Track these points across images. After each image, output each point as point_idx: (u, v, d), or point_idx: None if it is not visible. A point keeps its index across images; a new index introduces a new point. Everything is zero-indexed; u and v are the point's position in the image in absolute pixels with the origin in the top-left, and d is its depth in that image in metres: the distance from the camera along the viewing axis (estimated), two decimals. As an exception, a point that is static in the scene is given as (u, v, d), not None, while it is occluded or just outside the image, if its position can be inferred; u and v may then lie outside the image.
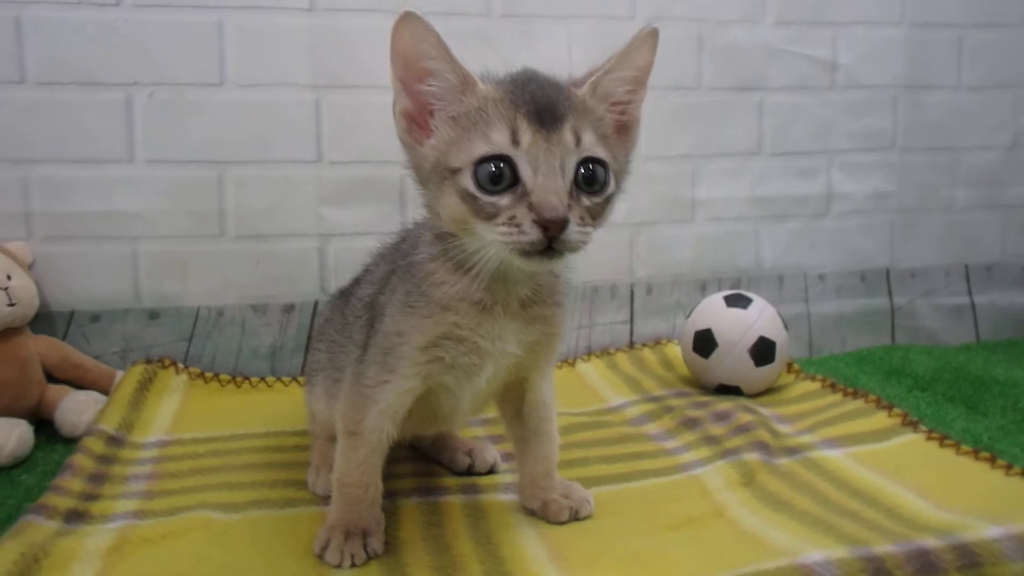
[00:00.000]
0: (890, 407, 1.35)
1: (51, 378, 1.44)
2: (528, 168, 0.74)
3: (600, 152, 0.78)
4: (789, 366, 1.61)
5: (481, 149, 0.74)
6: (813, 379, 1.55)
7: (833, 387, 1.49)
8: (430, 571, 0.87)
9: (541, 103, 0.75)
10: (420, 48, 0.78)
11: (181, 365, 1.53)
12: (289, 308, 1.61)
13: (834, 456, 1.20)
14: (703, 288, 1.78)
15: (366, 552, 0.88)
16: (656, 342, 1.75)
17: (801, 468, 1.16)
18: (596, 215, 0.79)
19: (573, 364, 1.70)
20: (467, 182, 0.74)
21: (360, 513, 0.90)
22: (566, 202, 0.73)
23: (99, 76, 1.47)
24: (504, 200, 0.74)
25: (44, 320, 1.50)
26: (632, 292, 1.78)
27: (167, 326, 1.56)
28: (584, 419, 1.40)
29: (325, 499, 1.01)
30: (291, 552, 0.91)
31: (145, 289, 1.56)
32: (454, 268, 0.84)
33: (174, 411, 1.41)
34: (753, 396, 1.48)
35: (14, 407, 1.34)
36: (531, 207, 0.72)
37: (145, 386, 1.45)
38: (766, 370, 1.46)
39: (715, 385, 1.50)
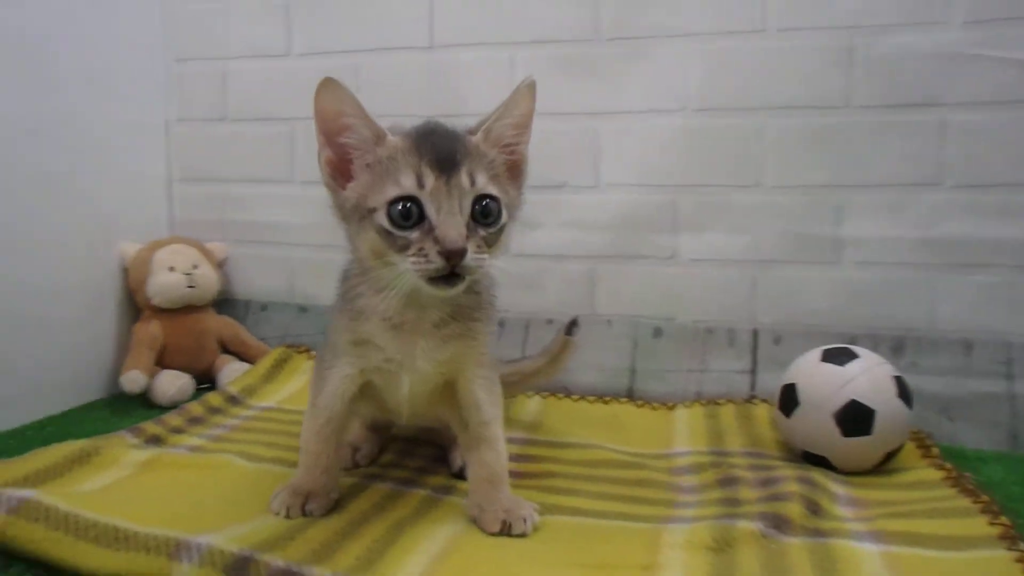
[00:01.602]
0: (997, 514, 1.00)
1: (225, 350, 1.79)
2: (432, 207, 0.87)
3: (492, 190, 0.91)
4: (925, 448, 1.27)
5: (393, 192, 0.88)
6: (940, 467, 1.20)
7: (956, 481, 1.14)
8: (328, 534, 0.95)
9: (441, 152, 0.89)
10: (338, 108, 0.92)
11: (313, 352, 1.75)
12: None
13: (863, 549, 0.94)
14: (852, 344, 1.47)
15: (302, 511, 1.01)
16: (778, 399, 1.49)
17: (802, 551, 0.94)
18: (491, 243, 0.92)
19: (671, 408, 1.53)
20: (382, 219, 0.88)
21: (312, 477, 1.04)
22: (464, 234, 0.87)
23: (271, 112, 1.78)
24: (414, 235, 0.87)
25: (229, 305, 1.85)
26: (755, 339, 1.55)
27: (311, 320, 1.81)
28: (624, 458, 1.29)
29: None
30: (259, 496, 1.06)
31: (296, 287, 1.82)
32: (373, 290, 0.96)
33: (294, 388, 1.66)
34: (848, 473, 1.19)
35: (189, 367, 1.69)
36: (436, 240, 0.86)
37: (280, 365, 1.73)
38: (857, 443, 1.17)
39: (800, 451, 1.24)
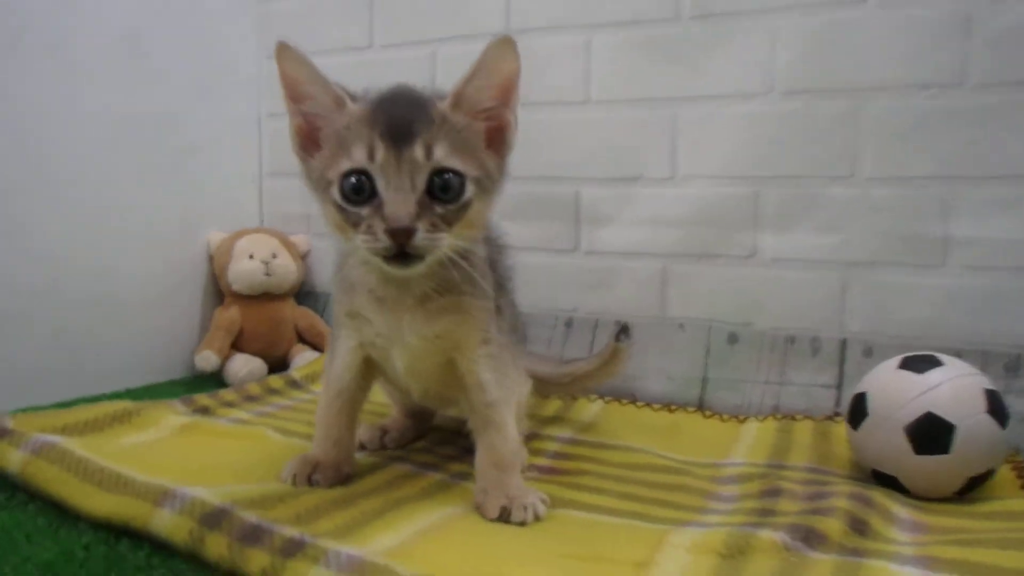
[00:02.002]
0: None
1: (302, 339, 1.84)
2: (382, 182, 0.82)
3: (454, 163, 0.84)
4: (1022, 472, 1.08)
5: (345, 165, 0.83)
6: (1042, 500, 1.01)
7: (1059, 514, 0.95)
8: (320, 501, 0.95)
9: (395, 121, 0.83)
10: (298, 73, 0.88)
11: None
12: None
13: (904, 572, 0.80)
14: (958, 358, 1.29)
15: (308, 480, 1.01)
16: (864, 418, 1.32)
17: (825, 568, 0.82)
18: (451, 221, 0.85)
19: (742, 421, 1.40)
20: (335, 193, 0.84)
21: (323, 449, 1.04)
22: (413, 212, 0.81)
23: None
24: (365, 211, 0.83)
25: (310, 296, 1.91)
26: (843, 350, 1.39)
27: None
28: (670, 464, 1.20)
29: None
30: (276, 464, 1.06)
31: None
32: (359, 262, 0.94)
33: None
34: (922, 498, 1.03)
35: (264, 352, 1.77)
36: (383, 217, 0.81)
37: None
38: (932, 463, 1.02)
39: (870, 470, 1.10)
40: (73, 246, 1.53)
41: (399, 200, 0.81)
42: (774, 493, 1.03)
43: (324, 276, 1.91)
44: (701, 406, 1.49)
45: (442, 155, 0.83)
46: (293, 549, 0.79)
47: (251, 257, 1.77)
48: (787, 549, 0.83)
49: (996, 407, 1.02)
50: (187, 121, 1.76)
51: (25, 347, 1.44)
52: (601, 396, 1.55)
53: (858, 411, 1.10)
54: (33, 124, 1.46)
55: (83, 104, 1.53)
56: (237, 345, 1.74)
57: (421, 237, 0.81)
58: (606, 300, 1.59)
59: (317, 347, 1.81)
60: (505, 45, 0.87)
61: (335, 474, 1.03)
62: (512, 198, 1.63)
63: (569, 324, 1.62)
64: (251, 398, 1.47)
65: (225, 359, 1.70)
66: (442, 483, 1.06)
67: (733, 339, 1.48)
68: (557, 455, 1.22)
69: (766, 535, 0.85)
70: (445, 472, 1.11)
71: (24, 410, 1.21)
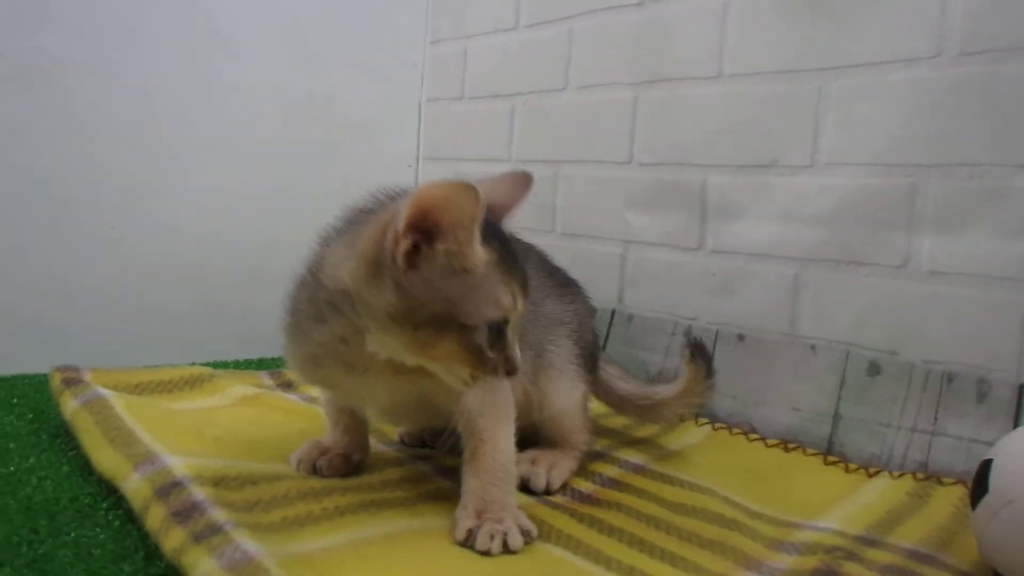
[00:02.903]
0: None
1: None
2: (512, 329, 0.83)
3: None
4: None
5: (494, 314, 0.81)
6: None
7: None
8: (290, 492, 0.91)
9: (524, 274, 0.84)
10: (463, 216, 0.76)
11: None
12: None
13: None
14: None
15: (313, 467, 1.00)
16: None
17: None
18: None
19: (872, 475, 1.14)
20: (481, 339, 0.80)
21: (333, 436, 1.03)
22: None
23: (496, 89, 1.78)
24: (494, 353, 0.81)
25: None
26: (1020, 396, 1.06)
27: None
28: (730, 514, 0.99)
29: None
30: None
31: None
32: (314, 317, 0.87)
33: None
34: None
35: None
36: (506, 359, 0.82)
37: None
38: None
39: (990, 568, 0.82)
40: (230, 216, 1.67)
41: (515, 345, 0.83)
42: (826, 575, 0.80)
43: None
44: (829, 449, 1.22)
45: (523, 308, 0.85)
46: (207, 535, 0.76)
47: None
48: None
49: None
50: (349, 102, 1.85)
51: (171, 312, 1.60)
52: (713, 421, 1.34)
53: (979, 485, 0.82)
54: (199, 99, 1.62)
55: (246, 81, 1.67)
56: None
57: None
58: (728, 308, 1.38)
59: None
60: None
61: (343, 463, 1.00)
62: (633, 186, 1.49)
63: (688, 333, 1.43)
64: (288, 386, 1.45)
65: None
66: (444, 490, 0.98)
67: (874, 370, 1.20)
68: (608, 482, 1.08)
69: None
70: (454, 478, 1.00)
71: (120, 369, 1.32)
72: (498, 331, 0.80)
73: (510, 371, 0.82)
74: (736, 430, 1.31)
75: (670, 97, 1.44)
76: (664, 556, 0.86)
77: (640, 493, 1.04)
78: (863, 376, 1.20)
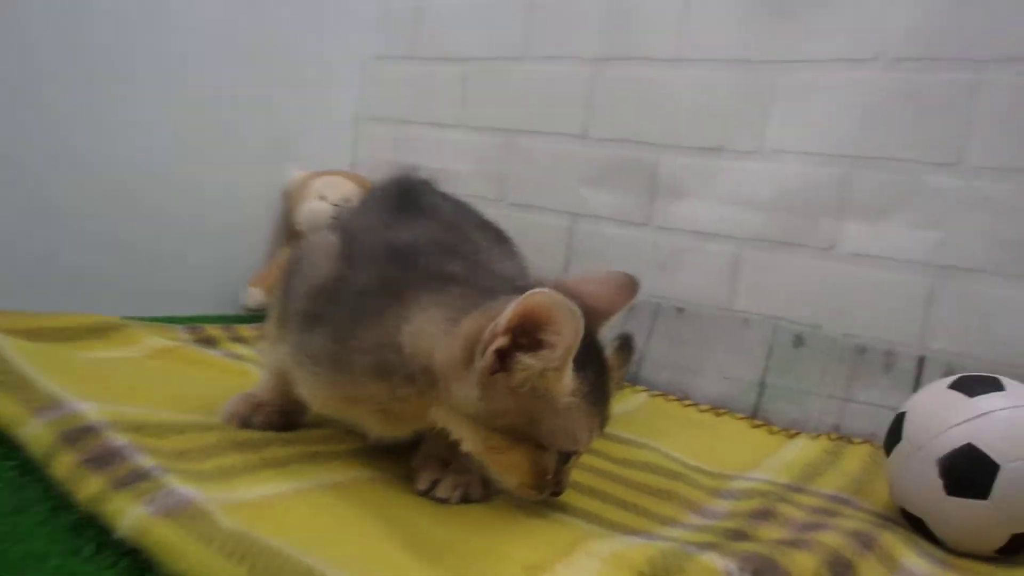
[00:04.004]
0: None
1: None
2: (575, 457, 0.86)
3: None
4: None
5: (569, 446, 0.83)
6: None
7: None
8: (223, 442, 0.89)
9: (607, 407, 0.85)
10: (558, 341, 0.75)
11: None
12: (534, 282, 1.70)
13: None
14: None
15: (244, 422, 0.96)
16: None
17: None
18: None
19: (791, 436, 1.30)
20: (550, 462, 0.83)
21: (268, 388, 0.98)
22: None
23: (451, 52, 1.85)
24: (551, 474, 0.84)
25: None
26: (920, 368, 1.25)
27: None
28: (672, 467, 1.12)
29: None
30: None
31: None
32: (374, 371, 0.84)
33: None
34: (957, 552, 0.91)
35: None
36: (557, 482, 0.84)
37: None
38: (966, 508, 0.89)
39: (898, 507, 0.99)
40: (161, 158, 1.63)
41: (572, 470, 0.86)
42: (763, 515, 0.94)
43: (401, 227, 1.97)
44: (755, 414, 1.39)
45: None
46: (131, 480, 0.73)
47: (322, 198, 1.83)
48: None
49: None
50: (294, 53, 1.85)
51: (90, 253, 1.53)
52: (650, 388, 1.49)
53: (893, 434, 0.98)
54: (139, 34, 1.58)
55: (187, 21, 1.65)
56: None
57: None
58: (670, 283, 1.52)
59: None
60: None
61: (280, 418, 0.96)
62: (590, 160, 1.61)
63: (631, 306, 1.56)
64: (258, 338, 1.43)
65: (275, 299, 1.78)
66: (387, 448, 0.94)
67: (799, 342, 1.37)
68: None
69: (707, 560, 0.75)
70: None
71: (19, 312, 1.24)
72: (566, 458, 0.83)
73: (556, 493, 0.84)
74: (671, 397, 1.46)
75: (629, 76, 1.56)
76: (619, 503, 0.96)
77: (588, 450, 1.16)
78: (789, 348, 1.37)
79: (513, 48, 1.74)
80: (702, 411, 1.41)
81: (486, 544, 0.78)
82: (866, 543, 0.86)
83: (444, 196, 1.10)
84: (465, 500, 0.87)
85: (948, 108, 1.22)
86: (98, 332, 1.27)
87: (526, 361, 0.75)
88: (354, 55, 2.03)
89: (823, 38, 1.34)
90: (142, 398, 0.97)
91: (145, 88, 1.61)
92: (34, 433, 0.82)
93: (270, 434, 0.94)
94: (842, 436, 1.27)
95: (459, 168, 1.81)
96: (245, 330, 1.52)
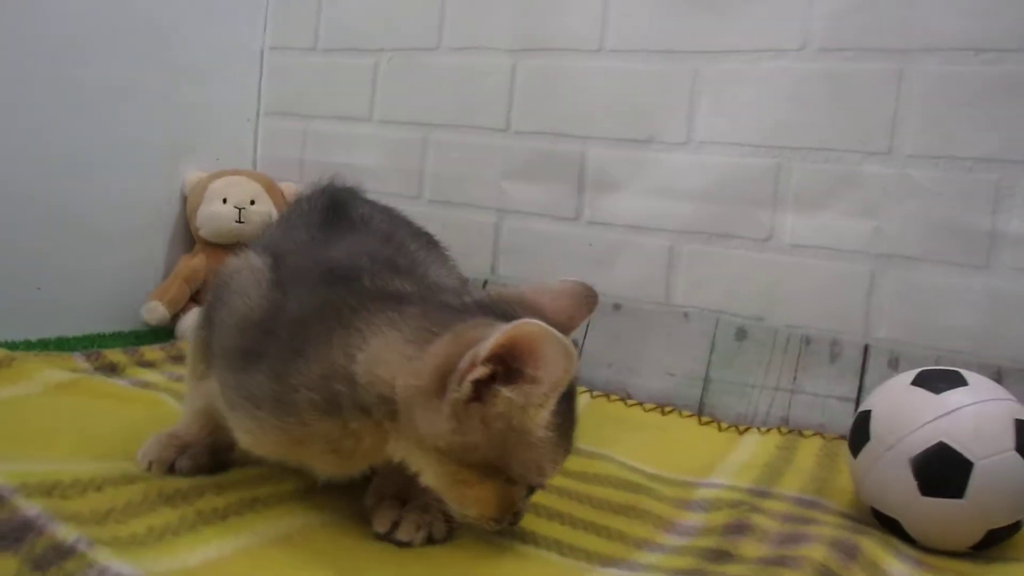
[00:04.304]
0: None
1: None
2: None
3: None
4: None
5: (536, 479, 0.77)
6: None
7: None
8: (148, 497, 0.81)
9: (572, 439, 0.79)
10: (547, 378, 0.70)
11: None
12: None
13: None
14: (998, 378, 1.15)
15: (171, 467, 0.88)
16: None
17: None
18: None
19: (742, 432, 1.30)
20: (518, 495, 0.79)
21: (193, 428, 0.90)
22: None
23: (358, 43, 1.75)
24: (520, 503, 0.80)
25: (296, 253, 1.85)
26: (865, 357, 1.26)
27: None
28: (632, 478, 1.09)
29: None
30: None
31: (363, 240, 1.78)
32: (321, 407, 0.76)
33: None
34: (930, 551, 0.92)
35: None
36: (515, 515, 0.79)
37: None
38: (940, 508, 0.89)
39: (868, 507, 0.98)
40: (44, 158, 1.47)
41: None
42: (739, 530, 0.92)
43: (312, 230, 1.86)
44: (700, 410, 1.38)
45: None
46: (54, 558, 0.64)
47: (224, 201, 1.71)
48: None
49: (1027, 445, 0.88)
50: (185, 44, 1.71)
51: None
52: (591, 389, 1.45)
53: (859, 434, 0.98)
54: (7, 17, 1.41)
55: (66, 4, 1.48)
56: (198, 299, 1.67)
57: None
58: (606, 279, 1.48)
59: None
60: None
61: (209, 459, 0.89)
62: (513, 154, 1.55)
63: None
64: (179, 359, 1.33)
65: (179, 313, 1.63)
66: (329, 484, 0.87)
67: (742, 335, 1.36)
68: None
69: None
70: None
71: None
72: (532, 490, 0.80)
73: (514, 522, 0.80)
74: (614, 396, 1.43)
75: (550, 67, 1.51)
76: (587, 527, 0.91)
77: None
78: (732, 341, 1.37)
79: (427, 39, 1.66)
80: (647, 411, 1.39)
81: None
82: (849, 553, 0.86)
83: (373, 204, 1.04)
84: (429, 541, 0.82)
85: (876, 97, 1.23)
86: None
87: (505, 395, 0.70)
88: (249, 46, 1.89)
89: (748, 29, 1.33)
90: (48, 447, 0.89)
91: (24, 80, 1.45)
92: None
93: (202, 480, 0.86)
94: (792, 429, 1.28)
95: (371, 164, 1.74)
96: (151, 352, 1.39)
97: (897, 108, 1.22)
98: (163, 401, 1.16)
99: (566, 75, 1.49)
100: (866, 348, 1.26)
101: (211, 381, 0.85)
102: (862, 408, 0.99)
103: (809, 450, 1.22)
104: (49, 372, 1.19)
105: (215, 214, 1.70)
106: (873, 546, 0.89)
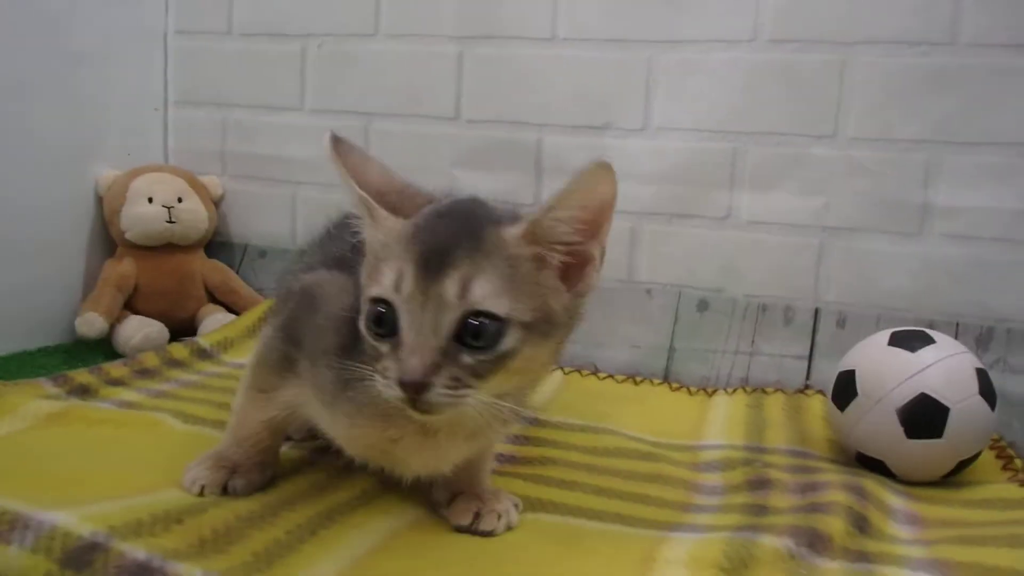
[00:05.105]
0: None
1: (213, 299, 1.74)
2: (405, 319, 0.73)
3: (495, 305, 0.73)
4: (1007, 459, 1.16)
5: (374, 289, 0.75)
6: (1025, 484, 1.08)
7: (1046, 500, 1.02)
8: (231, 518, 0.83)
9: (433, 247, 0.74)
10: (339, 168, 0.77)
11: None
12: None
13: None
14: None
15: (223, 488, 0.89)
16: (837, 392, 1.38)
17: None
18: (484, 373, 0.74)
19: (711, 394, 1.44)
20: (362, 320, 0.76)
21: (243, 447, 0.92)
22: (429, 364, 0.72)
23: (282, 27, 1.72)
24: (385, 347, 0.74)
25: (225, 248, 1.81)
26: (815, 320, 1.44)
27: (315, 271, 1.75)
28: (642, 447, 1.19)
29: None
30: (175, 463, 0.93)
31: (300, 233, 1.77)
32: None
33: None
34: (910, 483, 1.09)
35: (167, 314, 1.65)
36: (397, 362, 0.73)
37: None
38: (924, 447, 1.07)
39: (854, 452, 1.14)
40: None
41: (416, 346, 0.72)
42: (762, 485, 1.05)
43: (240, 224, 1.82)
44: (667, 377, 1.51)
45: (481, 295, 0.73)
46: None
47: (150, 200, 1.64)
48: (793, 558, 0.83)
49: (986, 388, 1.07)
50: (78, 26, 1.60)
51: None
52: (561, 366, 1.55)
53: (846, 391, 1.13)
54: None
55: None
56: (131, 306, 1.61)
57: (437, 393, 0.72)
58: (566, 261, 1.59)
59: (232, 308, 1.71)
60: (602, 172, 0.75)
61: (260, 477, 0.91)
62: (468, 143, 1.60)
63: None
64: (145, 372, 1.31)
65: (115, 323, 1.56)
66: (383, 482, 0.96)
67: (703, 306, 1.51)
68: (517, 438, 1.17)
69: (768, 542, 0.84)
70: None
71: None
72: (380, 317, 0.76)
73: (399, 378, 0.74)
74: (585, 371, 1.54)
75: (500, 55, 1.57)
76: (630, 497, 1.01)
77: (553, 444, 1.17)
78: (694, 312, 1.51)
79: (362, 25, 1.67)
80: (620, 382, 1.50)
81: (565, 572, 0.81)
82: (860, 493, 1.01)
83: None
84: (508, 528, 0.89)
85: (822, 86, 1.40)
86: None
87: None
88: (151, 29, 1.80)
89: (701, 19, 1.46)
90: (87, 485, 0.86)
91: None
92: (20, 567, 0.69)
93: (261, 498, 0.89)
94: (755, 388, 1.44)
95: (306, 155, 1.74)
96: (115, 369, 1.31)
97: (841, 96, 1.39)
98: (160, 421, 1.14)
99: (519, 63, 1.56)
100: (816, 311, 1.44)
101: (289, 390, 0.88)
102: (844, 368, 1.15)
103: (775, 405, 1.38)
104: (31, 403, 1.12)
105: (143, 215, 1.63)
106: (872, 485, 1.05)
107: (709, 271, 1.50)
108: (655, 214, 1.52)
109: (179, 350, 1.43)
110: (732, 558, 0.81)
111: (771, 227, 1.46)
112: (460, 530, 0.88)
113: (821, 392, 1.39)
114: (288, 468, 0.98)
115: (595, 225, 0.78)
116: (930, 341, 1.11)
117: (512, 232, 0.76)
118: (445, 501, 0.91)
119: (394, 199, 0.79)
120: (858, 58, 1.38)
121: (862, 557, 0.86)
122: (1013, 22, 1.30)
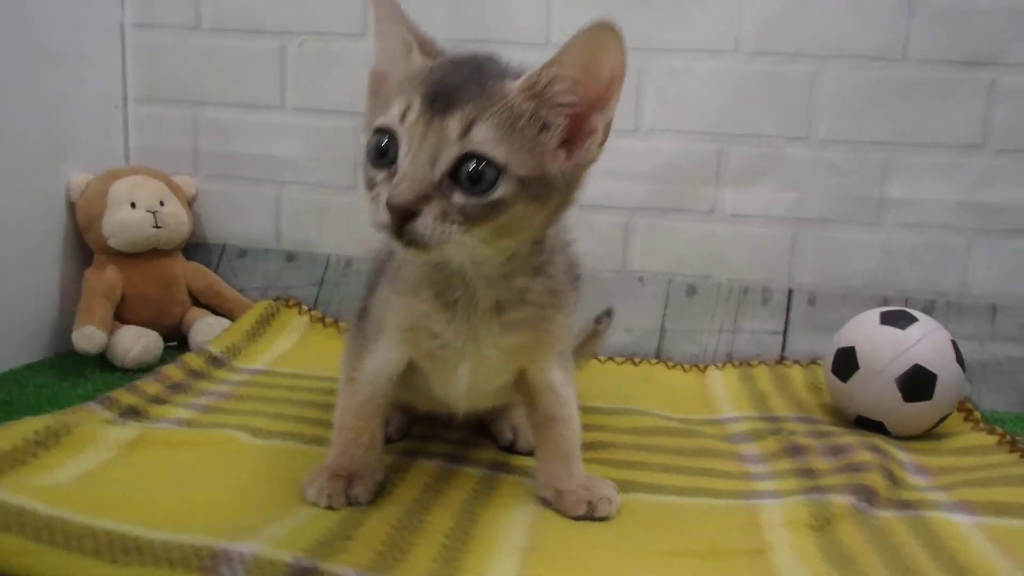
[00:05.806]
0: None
1: (196, 303, 1.73)
2: (404, 147, 0.78)
3: (494, 151, 0.78)
4: (968, 412, 1.42)
5: (380, 119, 0.79)
6: (992, 431, 1.36)
7: (1012, 444, 1.29)
8: (389, 528, 0.89)
9: (442, 85, 0.78)
10: (380, 9, 0.87)
11: (304, 307, 1.74)
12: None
13: (960, 522, 1.03)
14: (884, 306, 1.60)
15: (347, 497, 0.94)
16: (811, 362, 1.62)
17: (902, 526, 1.02)
18: (474, 219, 0.78)
19: (703, 370, 1.64)
20: (363, 148, 0.81)
21: (353, 457, 0.98)
22: (420, 192, 0.76)
23: (259, 23, 1.71)
24: (382, 175, 0.79)
25: (201, 250, 1.80)
26: (789, 299, 1.67)
27: (301, 270, 1.79)
28: (675, 424, 1.36)
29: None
30: (282, 481, 1.00)
31: (285, 232, 1.78)
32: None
33: (285, 348, 1.65)
34: (902, 439, 1.32)
35: (156, 321, 1.63)
36: (389, 187, 0.77)
37: (266, 321, 1.69)
38: (918, 408, 1.31)
39: (854, 416, 1.37)
40: None
41: (410, 173, 0.75)
42: (797, 451, 1.24)
43: (214, 225, 1.81)
44: (659, 356, 1.70)
45: (482, 138, 0.77)
46: None
47: (133, 205, 1.61)
48: (859, 512, 1.02)
49: (959, 356, 1.34)
50: (36, 18, 1.53)
51: None
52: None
53: (847, 364, 1.36)
54: None
55: None
56: (118, 315, 1.59)
57: (424, 224, 0.75)
58: (563, 253, 1.72)
59: (217, 311, 1.72)
60: (606, 34, 0.78)
61: (373, 484, 0.97)
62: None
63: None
64: (177, 387, 1.34)
65: (110, 334, 1.54)
66: (485, 479, 1.07)
67: (692, 291, 1.70)
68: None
69: (838, 501, 1.03)
70: (475, 464, 1.12)
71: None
72: (383, 145, 0.81)
73: (388, 200, 0.77)
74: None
75: (498, 59, 1.65)
76: (693, 471, 1.16)
77: (600, 428, 1.30)
78: (683, 297, 1.70)
79: (348, 24, 1.70)
80: (619, 363, 1.68)
81: (694, 544, 0.93)
82: (880, 451, 1.23)
83: None
84: (616, 510, 1.01)
85: (797, 93, 1.61)
86: (44, 443, 1.02)
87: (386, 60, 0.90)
88: (105, 22, 1.73)
89: (688, 30, 1.63)
90: (222, 511, 0.91)
91: None
92: None
93: (396, 506, 0.96)
94: (742, 362, 1.65)
95: (291, 154, 1.77)
96: (148, 386, 1.31)
97: (813, 103, 1.60)
98: (233, 438, 1.16)
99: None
100: (790, 292, 1.67)
101: (368, 357, 0.97)
102: (843, 345, 1.38)
103: (762, 376, 1.61)
104: (106, 431, 1.13)
105: (127, 222, 1.60)
106: (881, 442, 1.28)
107: (696, 260, 1.69)
108: (647, 209, 1.69)
109: (195, 360, 1.45)
110: (818, 517, 1.00)
111: (752, 219, 1.67)
112: (578, 519, 0.98)
113: (796, 362, 1.63)
114: (389, 473, 1.03)
115: (600, 96, 0.82)
116: (914, 320, 1.36)
117: (515, 85, 0.81)
118: (553, 498, 0.99)
119: (427, 47, 0.87)
120: (829, 70, 1.60)
121: (906, 505, 1.07)
122: (955, 42, 1.56)
